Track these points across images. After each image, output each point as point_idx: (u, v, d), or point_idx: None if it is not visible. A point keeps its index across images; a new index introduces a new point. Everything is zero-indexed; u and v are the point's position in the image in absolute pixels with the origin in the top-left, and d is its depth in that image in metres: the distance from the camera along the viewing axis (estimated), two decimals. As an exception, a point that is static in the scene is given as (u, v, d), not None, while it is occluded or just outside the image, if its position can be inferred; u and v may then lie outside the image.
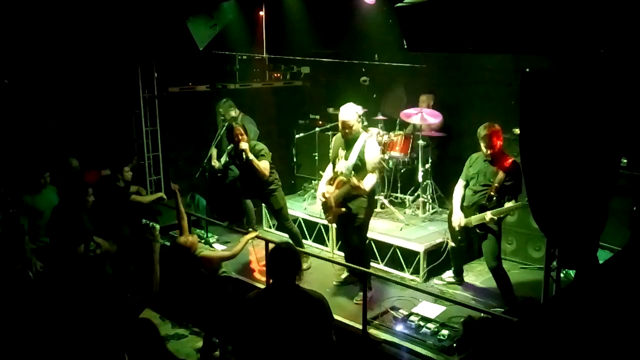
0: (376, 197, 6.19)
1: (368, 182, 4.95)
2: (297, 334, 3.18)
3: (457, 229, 5.10)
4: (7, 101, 6.59)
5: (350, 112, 4.98)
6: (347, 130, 4.99)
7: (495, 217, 4.79)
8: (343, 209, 5.07)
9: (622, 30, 3.54)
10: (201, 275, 4.72)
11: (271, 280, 3.38)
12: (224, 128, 6.37)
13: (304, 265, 5.58)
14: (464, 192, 5.15)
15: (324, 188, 5.26)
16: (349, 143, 5.06)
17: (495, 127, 4.89)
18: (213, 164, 6.89)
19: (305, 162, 7.82)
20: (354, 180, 4.87)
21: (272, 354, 3.22)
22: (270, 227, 7.17)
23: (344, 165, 5.05)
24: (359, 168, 4.98)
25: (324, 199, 5.21)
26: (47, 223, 5.36)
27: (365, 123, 6.97)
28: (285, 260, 3.26)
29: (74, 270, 4.89)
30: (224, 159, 6.65)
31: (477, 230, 4.95)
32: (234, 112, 6.87)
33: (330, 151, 5.40)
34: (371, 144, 5.04)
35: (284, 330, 3.19)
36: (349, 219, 5.15)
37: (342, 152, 5.12)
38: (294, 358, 3.22)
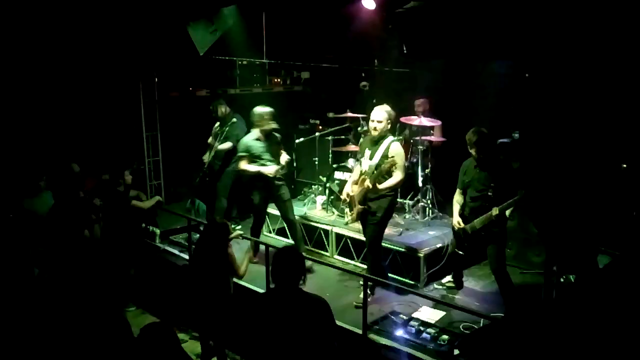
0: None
1: (392, 179, 5.09)
2: (300, 338, 3.18)
3: (461, 234, 5.08)
4: (6, 105, 6.61)
5: (381, 112, 5.21)
6: (375, 128, 5.19)
7: (499, 212, 4.74)
8: (364, 207, 5.21)
9: (622, 36, 3.56)
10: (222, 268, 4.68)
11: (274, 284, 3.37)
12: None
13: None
14: (463, 199, 5.15)
15: (349, 188, 5.43)
16: (375, 143, 5.24)
17: (484, 132, 4.88)
18: (203, 157, 7.13)
19: (305, 166, 7.84)
20: (367, 182, 5.05)
21: (275, 358, 3.22)
22: (270, 232, 7.17)
23: (367, 164, 5.22)
24: (382, 167, 5.10)
25: (348, 198, 5.40)
26: (46, 220, 5.33)
27: (366, 127, 7.00)
28: (289, 264, 3.28)
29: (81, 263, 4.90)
30: (208, 152, 6.95)
31: (482, 233, 4.94)
32: (223, 109, 7.12)
33: (358, 153, 5.57)
34: (396, 145, 5.21)
35: (287, 334, 3.19)
36: (367, 217, 5.27)
37: (367, 152, 5.29)
38: None
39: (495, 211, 4.74)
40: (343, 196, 5.52)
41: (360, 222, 5.46)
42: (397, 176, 5.13)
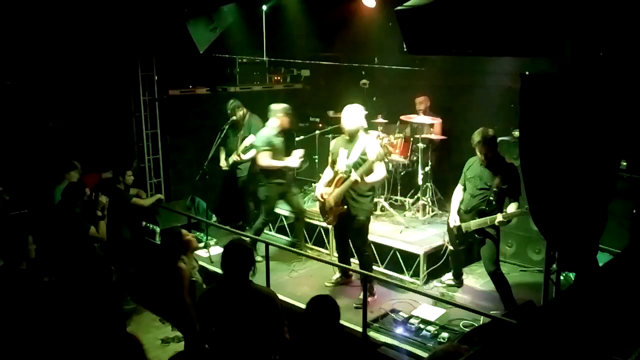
0: (376, 200, 6.23)
1: (376, 173, 5.03)
2: (247, 330, 3.27)
3: (454, 231, 5.10)
4: (8, 103, 6.61)
5: (346, 112, 5.15)
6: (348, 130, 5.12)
7: (505, 220, 4.75)
8: (345, 207, 5.12)
9: (621, 32, 3.55)
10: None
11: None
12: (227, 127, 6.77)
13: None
14: (463, 196, 5.15)
15: (322, 189, 5.29)
16: (350, 143, 5.14)
17: (489, 134, 4.87)
18: (221, 164, 7.02)
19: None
20: (354, 175, 4.94)
21: (224, 349, 3.32)
22: (270, 230, 7.17)
23: (344, 163, 5.11)
24: (360, 166, 5.03)
25: (322, 200, 5.24)
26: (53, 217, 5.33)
27: (365, 125, 6.99)
28: (238, 256, 3.36)
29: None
30: (232, 159, 6.85)
31: (476, 235, 4.95)
32: (241, 112, 6.95)
33: (330, 154, 5.42)
34: (372, 142, 5.15)
35: (235, 325, 3.28)
36: (349, 221, 5.17)
37: (343, 152, 5.17)
38: (245, 354, 3.29)
39: (499, 217, 4.72)
40: (317, 197, 5.35)
41: (338, 225, 5.34)
42: (381, 170, 5.05)
